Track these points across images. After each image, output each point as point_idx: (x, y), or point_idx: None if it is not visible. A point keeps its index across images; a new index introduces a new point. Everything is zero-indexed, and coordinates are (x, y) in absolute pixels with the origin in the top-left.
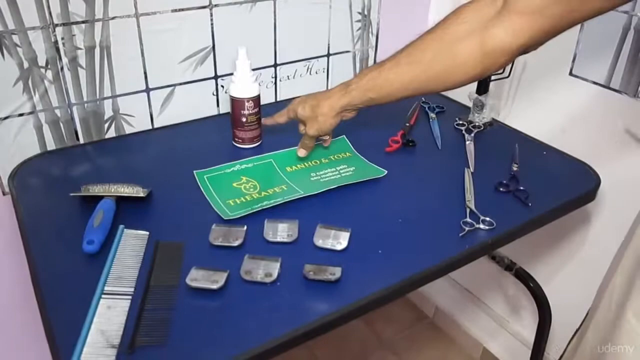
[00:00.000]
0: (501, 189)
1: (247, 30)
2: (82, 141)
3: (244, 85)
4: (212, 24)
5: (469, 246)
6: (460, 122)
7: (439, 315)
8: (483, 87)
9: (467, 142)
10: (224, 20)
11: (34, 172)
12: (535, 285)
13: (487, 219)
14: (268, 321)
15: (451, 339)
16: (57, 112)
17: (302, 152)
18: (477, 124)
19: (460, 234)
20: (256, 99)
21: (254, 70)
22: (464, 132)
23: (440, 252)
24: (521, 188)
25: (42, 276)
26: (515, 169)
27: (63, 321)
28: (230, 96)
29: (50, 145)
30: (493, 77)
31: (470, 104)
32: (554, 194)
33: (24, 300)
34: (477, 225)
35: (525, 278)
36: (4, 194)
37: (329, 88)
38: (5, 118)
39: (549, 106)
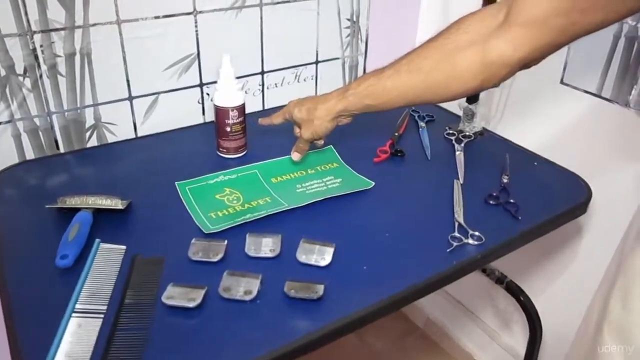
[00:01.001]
0: (491, 202)
1: (233, 37)
2: (62, 150)
3: (228, 94)
4: (196, 31)
5: (457, 262)
6: (451, 131)
7: (430, 326)
8: (473, 96)
9: (457, 152)
10: (209, 27)
11: (11, 182)
12: (525, 298)
13: (476, 233)
14: (246, 341)
15: (442, 350)
16: (36, 120)
17: (296, 156)
18: (467, 133)
19: (448, 250)
20: (241, 108)
21: (240, 78)
22: (454, 141)
23: (427, 269)
24: (511, 201)
25: (12, 290)
26: (505, 180)
27: (31, 339)
28: (214, 105)
29: (30, 155)
30: None
31: (460, 113)
32: (545, 207)
33: None
34: (466, 240)
35: (515, 292)
36: None
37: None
38: None
39: (540, 115)
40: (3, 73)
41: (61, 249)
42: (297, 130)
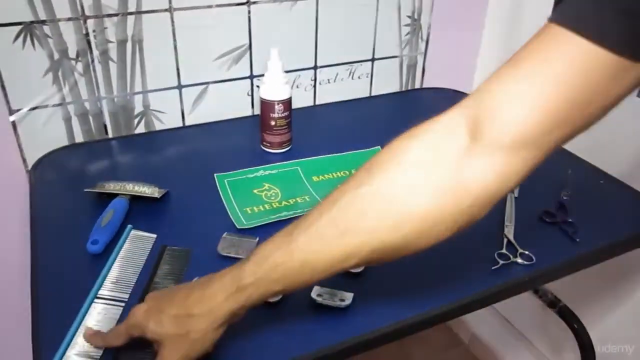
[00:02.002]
0: (546, 219)
1: (287, 30)
2: (110, 135)
3: (275, 87)
4: (249, 22)
5: (501, 282)
6: None
7: (475, 342)
8: None
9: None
10: (262, 19)
11: (56, 164)
12: (580, 327)
13: (526, 252)
14: (266, 344)
15: None
16: (86, 104)
17: None
18: None
19: (493, 267)
20: (287, 102)
21: (291, 72)
22: None
23: (467, 287)
24: (569, 220)
25: (41, 270)
26: (565, 197)
27: (52, 320)
28: (260, 98)
29: (79, 138)
30: None
31: None
32: (607, 230)
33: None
34: (514, 259)
35: (569, 318)
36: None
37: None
38: (34, 108)
39: (613, 129)
40: (56, 57)
41: (93, 234)
42: (156, 348)
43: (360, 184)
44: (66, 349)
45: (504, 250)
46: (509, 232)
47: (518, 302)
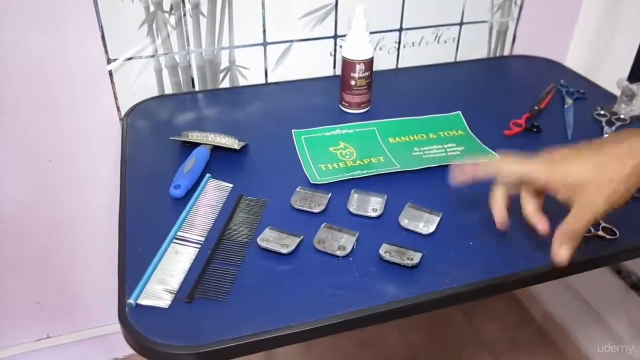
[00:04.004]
0: (637, 195)
1: None
2: (197, 89)
3: (358, 47)
4: None
5: (580, 256)
6: (603, 112)
7: (549, 321)
8: (638, 73)
9: (605, 136)
10: None
11: (147, 114)
12: None
13: (610, 227)
14: (331, 296)
15: (558, 350)
16: (177, 57)
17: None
18: (622, 116)
19: None
20: (369, 63)
21: (376, 33)
22: (604, 124)
23: (542, 256)
24: None
25: (129, 210)
26: None
27: (135, 256)
28: (343, 57)
29: (168, 90)
30: None
31: (618, 93)
32: None
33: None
34: (595, 232)
35: None
36: None
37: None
38: (130, 59)
39: None
40: (152, 9)
41: (176, 180)
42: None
43: None
44: (146, 283)
45: None
46: None
47: (598, 282)
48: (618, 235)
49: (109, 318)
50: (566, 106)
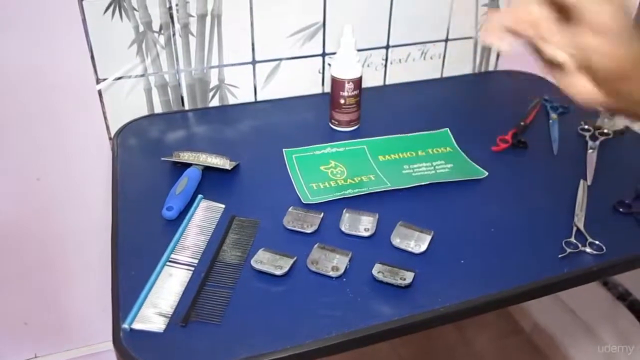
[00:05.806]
0: (620, 209)
1: (361, 8)
2: (187, 107)
3: (346, 66)
4: None
5: (568, 271)
6: (586, 126)
7: (537, 332)
8: None
9: (590, 151)
10: None
11: (136, 133)
12: None
13: (596, 242)
14: (325, 317)
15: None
16: (166, 76)
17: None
18: (605, 130)
19: (560, 255)
20: (357, 81)
21: (363, 50)
22: (587, 138)
23: (531, 273)
24: None
25: (121, 232)
26: None
27: (128, 279)
28: (332, 75)
29: (157, 108)
30: None
31: (600, 108)
32: None
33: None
34: (582, 248)
35: None
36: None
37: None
38: (119, 78)
39: None
40: (141, 29)
41: (168, 201)
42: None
43: None
44: (140, 306)
45: (572, 239)
46: (579, 220)
47: (585, 293)
48: (604, 250)
49: (98, 337)
50: (551, 120)
